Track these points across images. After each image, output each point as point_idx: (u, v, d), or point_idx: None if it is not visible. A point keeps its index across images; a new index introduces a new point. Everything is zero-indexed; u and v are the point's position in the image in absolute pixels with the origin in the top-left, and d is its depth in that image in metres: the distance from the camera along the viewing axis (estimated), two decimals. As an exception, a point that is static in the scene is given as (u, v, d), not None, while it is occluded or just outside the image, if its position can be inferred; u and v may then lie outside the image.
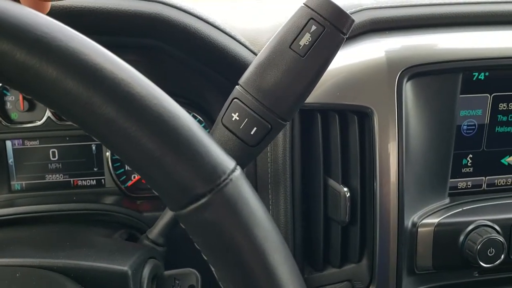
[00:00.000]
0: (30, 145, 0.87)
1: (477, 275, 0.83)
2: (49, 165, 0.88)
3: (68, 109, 0.36)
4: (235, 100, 0.57)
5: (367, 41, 0.77)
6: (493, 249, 0.75)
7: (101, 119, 0.36)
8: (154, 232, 0.68)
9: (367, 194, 0.76)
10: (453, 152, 0.79)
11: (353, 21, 0.54)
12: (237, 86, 0.57)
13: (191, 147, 0.38)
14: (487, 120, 0.79)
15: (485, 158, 0.81)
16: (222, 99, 0.60)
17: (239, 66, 0.72)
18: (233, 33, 0.75)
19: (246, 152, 0.57)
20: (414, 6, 0.80)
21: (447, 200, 0.81)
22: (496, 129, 0.80)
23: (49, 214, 0.76)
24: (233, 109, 0.57)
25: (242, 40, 0.76)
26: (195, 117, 0.87)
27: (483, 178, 0.83)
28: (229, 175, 0.39)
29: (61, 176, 0.88)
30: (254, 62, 0.56)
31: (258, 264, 0.40)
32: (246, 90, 0.56)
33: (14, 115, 0.85)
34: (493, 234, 0.75)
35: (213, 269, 0.42)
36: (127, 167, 0.90)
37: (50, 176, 0.88)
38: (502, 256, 0.75)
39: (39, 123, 0.85)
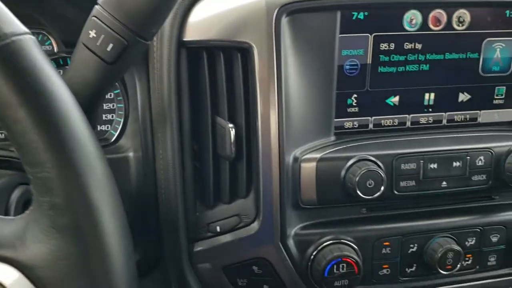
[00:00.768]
0: None
1: (365, 211, 0.86)
2: None
3: None
4: (93, 18, 0.58)
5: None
6: (372, 181, 0.78)
7: None
8: None
9: (252, 131, 0.78)
10: (336, 91, 0.82)
11: None
12: (96, 5, 0.59)
13: None
14: (369, 60, 0.82)
15: (370, 98, 0.85)
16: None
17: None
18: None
19: (106, 71, 0.59)
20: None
21: (332, 138, 0.84)
22: (379, 69, 0.83)
23: None
24: (90, 27, 0.58)
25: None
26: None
27: (369, 118, 0.86)
28: (10, 37, 0.42)
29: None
30: None
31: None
32: (103, 8, 0.58)
33: None
34: (372, 167, 0.78)
35: None
36: None
37: None
38: (382, 188, 0.78)
39: None
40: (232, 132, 0.77)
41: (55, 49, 0.88)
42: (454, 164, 0.83)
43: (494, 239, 0.88)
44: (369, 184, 0.78)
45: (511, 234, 0.88)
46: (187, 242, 0.83)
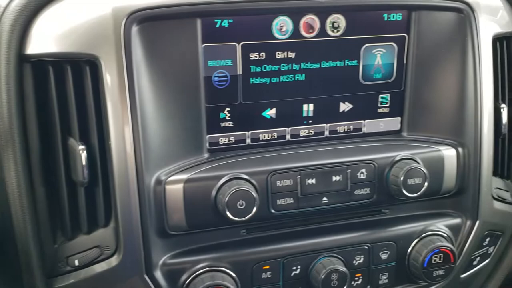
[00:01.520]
0: None
1: (244, 233, 0.80)
2: None
3: None
4: None
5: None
6: (243, 202, 0.71)
7: None
8: None
9: (107, 152, 0.71)
10: (206, 105, 0.76)
11: None
12: None
13: None
14: (239, 71, 0.76)
15: (245, 112, 0.79)
16: None
17: None
18: None
19: None
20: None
21: (205, 156, 0.78)
22: (252, 80, 0.77)
23: None
24: None
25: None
26: None
27: (246, 132, 0.80)
28: None
29: None
30: None
31: None
32: None
33: None
34: (243, 186, 0.72)
35: None
36: None
37: None
38: (254, 209, 0.72)
39: None
40: (83, 154, 0.69)
41: None
42: (334, 178, 0.78)
43: (384, 256, 0.83)
44: (240, 205, 0.72)
45: (402, 249, 0.84)
46: (45, 278, 0.74)
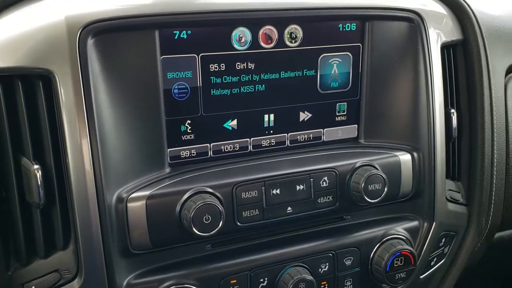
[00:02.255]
0: None
1: (210, 248, 0.78)
2: None
3: None
4: None
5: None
6: (209, 216, 0.70)
7: None
8: None
9: (64, 171, 0.67)
10: (166, 118, 0.74)
11: None
12: None
13: None
14: (199, 83, 0.75)
15: (206, 124, 0.77)
16: None
17: None
18: None
19: None
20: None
21: (167, 170, 0.76)
22: (212, 91, 0.76)
23: None
24: None
25: None
26: None
27: (208, 145, 0.79)
28: None
29: None
30: None
31: None
32: None
33: None
34: (208, 200, 0.70)
35: None
36: None
37: None
38: (221, 223, 0.71)
39: None
40: (39, 174, 0.65)
41: None
42: (298, 187, 0.78)
43: (348, 262, 0.84)
44: (206, 220, 0.70)
45: (365, 255, 0.85)
46: (-2, 308, 0.70)
